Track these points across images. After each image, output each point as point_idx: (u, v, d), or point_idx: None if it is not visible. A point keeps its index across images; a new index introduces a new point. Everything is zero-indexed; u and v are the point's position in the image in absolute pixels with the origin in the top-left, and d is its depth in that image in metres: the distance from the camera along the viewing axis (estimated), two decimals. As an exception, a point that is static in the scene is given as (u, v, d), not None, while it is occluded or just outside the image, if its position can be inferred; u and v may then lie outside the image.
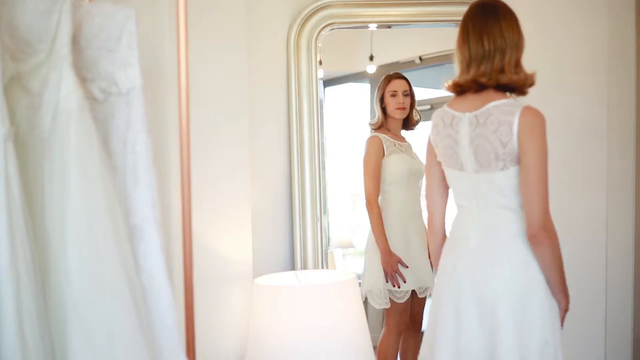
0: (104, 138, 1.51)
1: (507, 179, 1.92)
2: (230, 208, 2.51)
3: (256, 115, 2.72)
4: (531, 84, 1.98)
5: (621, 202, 2.89)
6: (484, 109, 1.94)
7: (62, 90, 1.39)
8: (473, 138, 1.95)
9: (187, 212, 1.62)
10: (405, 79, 3.06)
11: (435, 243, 2.15)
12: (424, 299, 3.01)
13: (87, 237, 1.37)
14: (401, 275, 2.89)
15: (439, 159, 2.08)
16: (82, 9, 1.51)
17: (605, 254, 2.89)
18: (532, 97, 2.02)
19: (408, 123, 3.08)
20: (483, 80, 1.93)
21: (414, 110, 3.08)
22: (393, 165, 2.96)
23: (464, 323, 1.94)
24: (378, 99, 3.05)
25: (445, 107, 2.05)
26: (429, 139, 2.11)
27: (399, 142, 3.02)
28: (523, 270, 1.91)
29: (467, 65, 1.97)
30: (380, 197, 2.97)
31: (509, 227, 1.94)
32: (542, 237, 1.89)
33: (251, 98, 2.65)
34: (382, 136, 3.00)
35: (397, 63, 3.35)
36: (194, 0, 1.93)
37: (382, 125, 3.05)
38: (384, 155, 2.96)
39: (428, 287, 2.96)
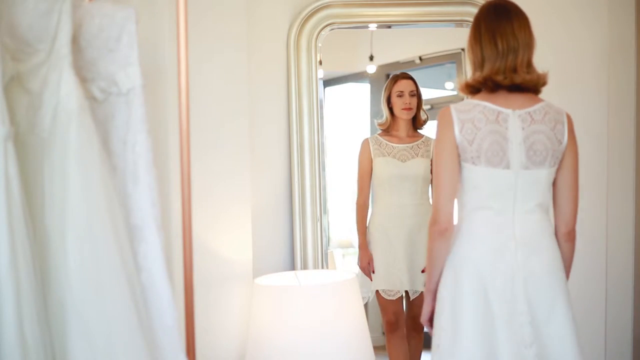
0: (104, 138, 1.51)
1: (549, 176, 1.97)
2: (230, 208, 2.51)
3: (256, 115, 2.72)
4: (544, 84, 1.99)
5: (621, 202, 2.89)
6: (537, 106, 1.96)
7: (62, 90, 1.39)
8: (528, 135, 1.94)
9: (187, 212, 1.62)
10: (412, 79, 3.07)
11: (445, 249, 1.97)
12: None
13: (87, 237, 1.37)
14: (368, 274, 2.96)
15: (470, 155, 1.93)
16: (82, 9, 1.51)
17: (605, 254, 2.89)
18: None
19: (415, 123, 3.09)
20: (498, 78, 1.93)
21: (422, 110, 3.08)
22: (376, 168, 3.03)
23: (540, 327, 1.91)
24: (385, 100, 3.06)
25: (482, 102, 1.95)
26: (450, 137, 1.93)
27: (392, 144, 3.02)
28: (560, 263, 1.99)
29: (479, 65, 1.97)
30: (371, 199, 3.05)
31: (545, 224, 1.99)
32: (575, 234, 2.02)
33: (251, 98, 2.65)
34: (375, 138, 3.04)
35: (397, 63, 3.35)
36: (194, 0, 1.93)
37: (390, 125, 3.06)
38: (372, 158, 3.03)
39: (399, 291, 2.95)
